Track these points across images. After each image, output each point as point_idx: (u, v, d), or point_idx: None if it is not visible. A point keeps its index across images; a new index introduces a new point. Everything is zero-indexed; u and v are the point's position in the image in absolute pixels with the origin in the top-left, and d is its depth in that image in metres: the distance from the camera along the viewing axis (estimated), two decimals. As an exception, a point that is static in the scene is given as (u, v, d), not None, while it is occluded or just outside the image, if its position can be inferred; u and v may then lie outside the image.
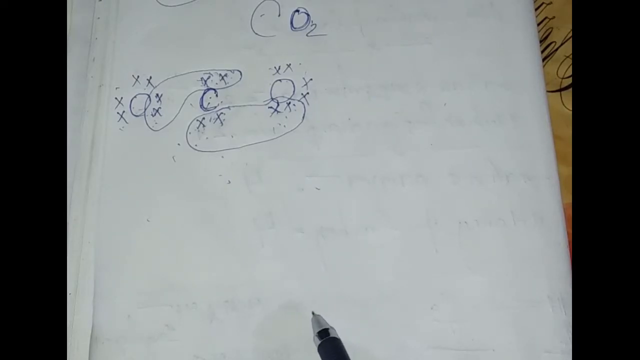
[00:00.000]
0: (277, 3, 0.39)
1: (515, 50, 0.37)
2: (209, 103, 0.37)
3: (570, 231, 0.34)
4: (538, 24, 0.38)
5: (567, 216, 0.34)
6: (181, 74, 0.38)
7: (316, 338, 0.31)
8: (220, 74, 0.38)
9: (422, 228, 0.34)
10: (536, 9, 0.39)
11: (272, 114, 0.37)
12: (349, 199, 0.35)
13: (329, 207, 0.35)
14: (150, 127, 0.37)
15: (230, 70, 0.38)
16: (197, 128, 0.37)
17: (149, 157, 0.36)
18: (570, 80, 0.38)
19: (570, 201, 0.33)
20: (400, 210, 0.34)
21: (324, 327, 0.31)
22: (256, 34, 0.38)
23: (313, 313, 0.32)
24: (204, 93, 0.37)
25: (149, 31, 0.39)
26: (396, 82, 0.36)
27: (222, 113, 0.37)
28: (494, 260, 0.33)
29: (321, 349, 0.31)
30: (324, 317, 0.32)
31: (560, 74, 0.38)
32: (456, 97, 0.36)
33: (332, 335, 0.31)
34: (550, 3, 0.40)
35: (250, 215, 0.35)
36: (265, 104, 0.37)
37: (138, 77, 0.38)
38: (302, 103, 0.37)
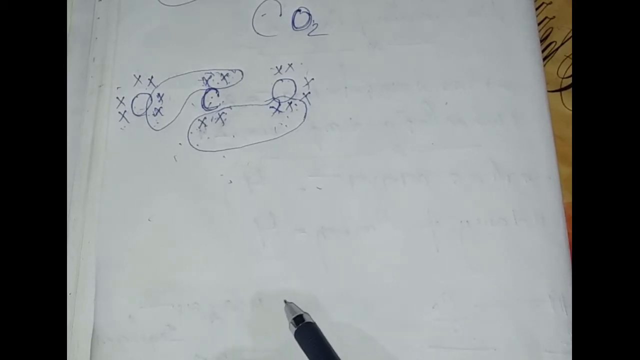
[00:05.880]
0: (279, 3, 0.39)
1: (517, 50, 0.37)
2: (210, 103, 0.37)
3: (571, 231, 0.34)
4: (538, 24, 0.38)
5: (567, 216, 0.34)
6: (182, 74, 0.38)
7: (291, 325, 0.31)
8: (221, 74, 0.38)
9: (423, 227, 0.34)
10: (536, 9, 0.39)
11: (274, 113, 0.37)
12: (350, 198, 0.35)
13: (330, 207, 0.35)
14: (152, 126, 0.37)
15: (232, 70, 0.38)
16: (199, 128, 0.37)
17: (150, 157, 0.36)
18: (570, 80, 0.38)
19: (570, 201, 0.33)
20: (401, 210, 0.34)
21: (298, 314, 0.31)
22: (258, 33, 0.38)
23: (285, 301, 0.32)
24: (206, 93, 0.37)
25: (150, 31, 0.39)
26: (397, 82, 0.36)
27: (223, 113, 0.37)
28: (495, 259, 0.33)
29: (298, 335, 0.30)
30: (323, 315, 0.32)
31: (561, 74, 0.38)
32: (457, 96, 0.36)
33: (307, 320, 0.31)
34: (550, 3, 0.40)
35: (251, 215, 0.35)
36: (267, 104, 0.37)
37: (139, 76, 0.38)
38: (304, 103, 0.37)
